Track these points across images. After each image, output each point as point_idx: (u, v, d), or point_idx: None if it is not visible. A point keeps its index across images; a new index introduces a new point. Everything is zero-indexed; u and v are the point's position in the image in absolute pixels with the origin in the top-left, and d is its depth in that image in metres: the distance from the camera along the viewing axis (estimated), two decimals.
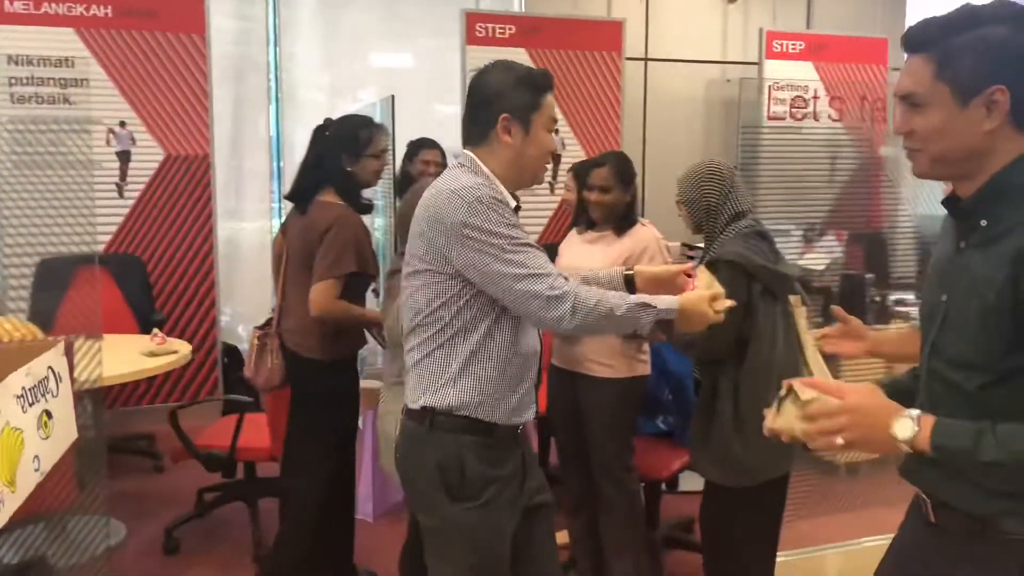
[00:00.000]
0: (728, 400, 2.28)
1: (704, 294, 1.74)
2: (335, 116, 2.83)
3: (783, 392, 1.36)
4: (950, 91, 1.25)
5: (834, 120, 3.34)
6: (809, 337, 2.38)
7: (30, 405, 1.58)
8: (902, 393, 1.40)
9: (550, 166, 3.83)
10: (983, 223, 1.28)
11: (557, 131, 1.75)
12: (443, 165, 4.05)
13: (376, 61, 5.31)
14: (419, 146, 4.05)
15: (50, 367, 1.65)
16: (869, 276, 3.51)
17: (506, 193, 1.77)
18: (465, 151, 1.79)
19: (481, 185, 1.73)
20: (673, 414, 3.12)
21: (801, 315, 2.39)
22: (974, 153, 1.27)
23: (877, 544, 3.18)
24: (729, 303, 1.76)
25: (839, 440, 1.27)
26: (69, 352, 1.81)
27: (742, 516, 2.36)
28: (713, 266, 2.19)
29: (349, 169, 2.65)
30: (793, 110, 3.33)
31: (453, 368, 1.75)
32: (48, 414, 1.63)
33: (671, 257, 2.85)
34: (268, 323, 2.78)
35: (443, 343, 1.76)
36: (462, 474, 1.75)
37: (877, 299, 3.67)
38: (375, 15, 5.12)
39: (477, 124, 1.78)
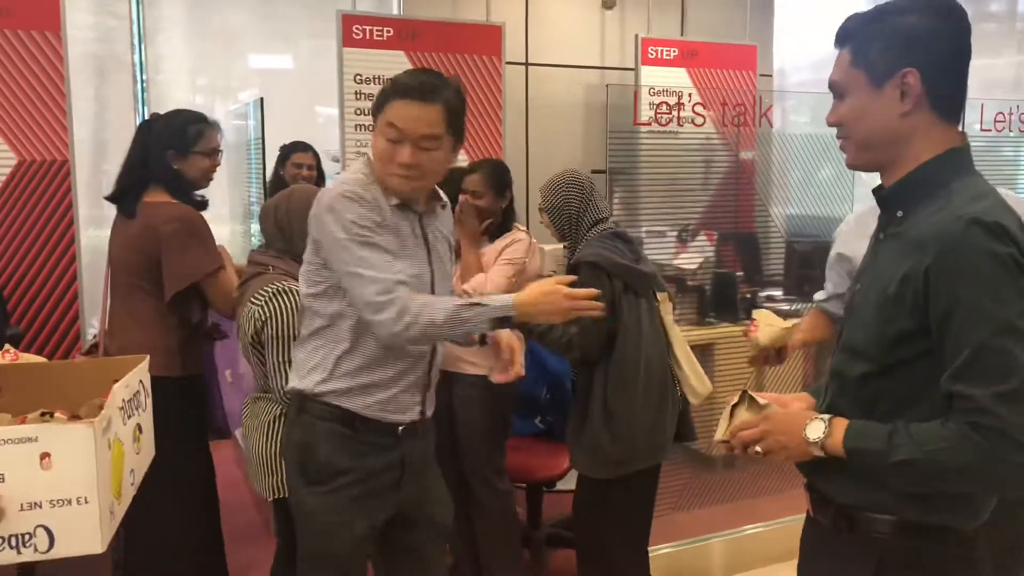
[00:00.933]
0: (599, 394, 2.33)
1: (549, 282, 1.75)
2: (213, 118, 2.70)
3: (735, 400, 1.40)
4: (865, 76, 1.31)
5: (697, 125, 3.47)
6: (677, 330, 2.47)
7: (128, 418, 1.59)
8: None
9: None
10: (899, 213, 1.32)
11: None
12: (316, 168, 3.96)
13: (254, 62, 5.16)
14: (291, 149, 3.97)
15: (140, 380, 1.65)
16: (739, 274, 3.67)
17: (379, 193, 1.75)
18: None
19: (355, 180, 1.75)
20: (551, 413, 3.16)
21: (668, 311, 2.48)
22: (895, 138, 1.31)
23: (757, 531, 3.33)
24: (598, 305, 1.79)
25: (757, 449, 1.33)
26: None
27: (613, 507, 2.41)
28: (575, 269, 2.24)
29: (176, 167, 2.52)
30: (658, 115, 3.45)
31: (321, 355, 1.78)
32: (140, 428, 1.64)
33: (539, 260, 2.89)
34: (93, 349, 2.60)
35: (316, 330, 1.80)
36: (315, 458, 1.79)
37: (748, 295, 3.84)
38: (252, 15, 4.98)
39: None
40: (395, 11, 4.94)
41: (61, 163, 3.89)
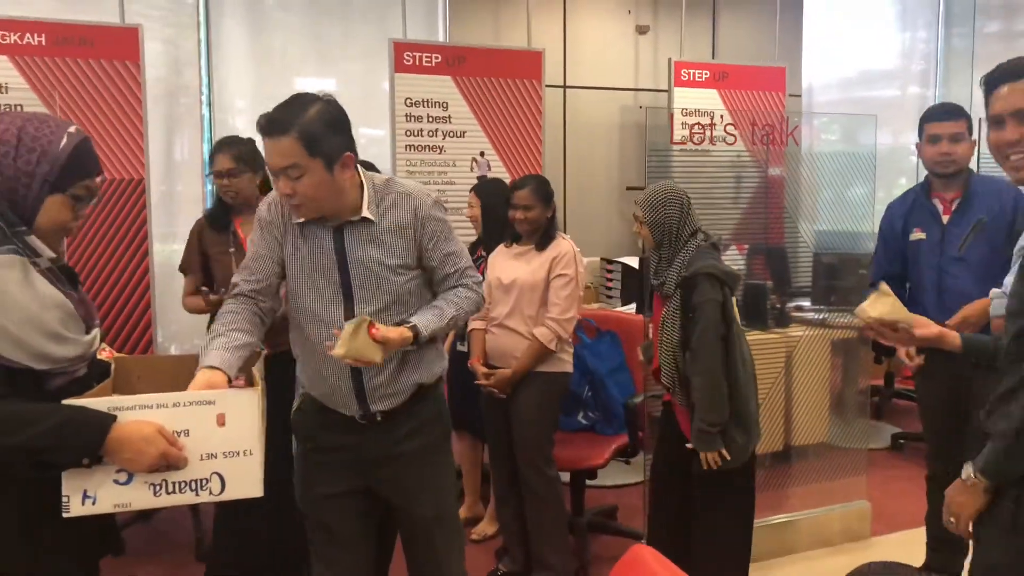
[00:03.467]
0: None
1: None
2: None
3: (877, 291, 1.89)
4: None
5: (729, 144, 3.71)
6: None
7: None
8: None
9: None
10: None
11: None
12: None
13: (303, 85, 5.47)
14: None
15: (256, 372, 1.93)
16: (769, 284, 3.88)
17: (283, 212, 2.05)
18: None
19: (270, 198, 2.08)
20: (593, 410, 3.39)
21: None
22: None
23: (800, 519, 3.51)
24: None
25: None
26: None
27: (741, 495, 2.70)
28: (692, 280, 2.49)
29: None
30: (692, 134, 3.70)
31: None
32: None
33: (579, 268, 3.12)
34: None
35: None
36: (299, 423, 2.18)
37: (777, 305, 4.04)
38: (302, 40, 5.28)
39: None
40: (441, 38, 5.24)
41: (138, 181, 4.22)
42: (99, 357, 2.19)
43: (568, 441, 3.29)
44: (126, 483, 1.55)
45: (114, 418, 1.52)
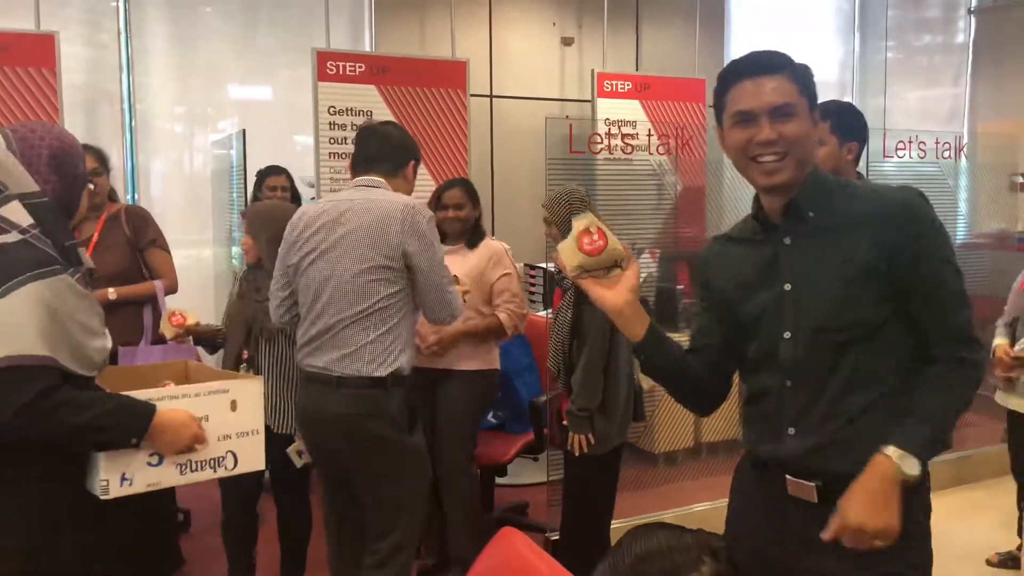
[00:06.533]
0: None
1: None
2: (193, 147, 3.06)
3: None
4: None
5: (626, 154, 3.86)
6: None
7: None
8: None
9: None
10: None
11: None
12: (290, 190, 4.26)
13: (234, 93, 5.46)
14: (265, 173, 4.24)
15: None
16: (680, 287, 4.04)
17: None
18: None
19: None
20: (503, 408, 3.48)
21: None
22: None
23: (706, 509, 3.66)
24: None
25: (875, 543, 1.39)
26: None
27: (601, 477, 2.87)
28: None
29: None
30: (612, 146, 3.85)
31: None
32: None
33: (513, 265, 3.23)
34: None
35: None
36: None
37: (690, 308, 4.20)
38: (230, 48, 5.28)
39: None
40: (367, 47, 5.29)
41: None
42: (172, 324, 2.92)
43: (481, 439, 3.37)
44: (157, 464, 1.76)
45: (155, 406, 1.74)
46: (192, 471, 1.81)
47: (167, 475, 1.78)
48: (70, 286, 1.60)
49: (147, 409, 1.73)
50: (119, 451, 1.70)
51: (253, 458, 1.91)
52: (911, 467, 1.39)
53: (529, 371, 3.48)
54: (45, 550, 1.59)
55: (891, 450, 1.39)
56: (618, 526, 2.99)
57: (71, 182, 1.72)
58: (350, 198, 2.45)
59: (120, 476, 1.70)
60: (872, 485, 1.38)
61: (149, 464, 1.74)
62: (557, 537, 3.12)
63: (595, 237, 1.47)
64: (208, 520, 3.91)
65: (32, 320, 1.52)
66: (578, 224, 1.49)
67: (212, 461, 1.84)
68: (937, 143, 4.61)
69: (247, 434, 1.89)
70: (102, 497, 1.68)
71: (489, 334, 3.13)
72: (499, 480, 3.54)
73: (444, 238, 3.19)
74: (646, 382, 2.95)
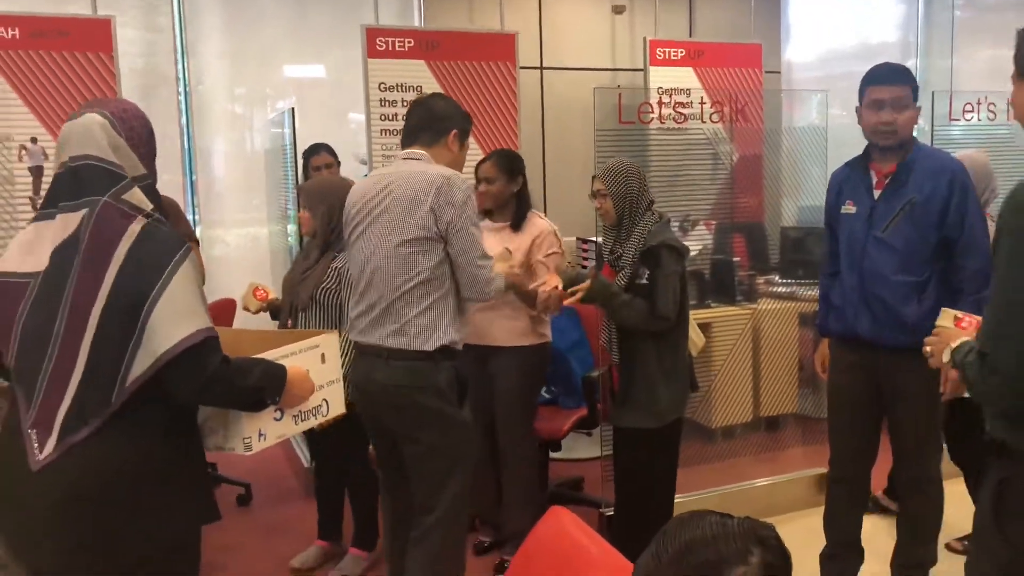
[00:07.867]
0: (653, 356, 2.70)
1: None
2: (251, 127, 3.08)
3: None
4: None
5: (678, 123, 3.76)
6: None
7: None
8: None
9: None
10: None
11: None
12: (334, 165, 4.28)
13: (288, 73, 5.51)
14: (310, 153, 4.27)
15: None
16: (736, 259, 3.95)
17: None
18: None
19: None
20: (555, 383, 3.46)
21: None
22: None
23: (764, 485, 3.61)
24: None
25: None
26: None
27: (667, 449, 2.80)
28: (655, 251, 2.58)
29: None
30: (641, 115, 3.78)
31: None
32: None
33: (561, 246, 3.18)
34: None
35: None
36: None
37: (746, 280, 4.11)
38: (283, 29, 5.32)
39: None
40: (416, 23, 5.27)
41: None
42: (257, 298, 3.11)
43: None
44: (279, 419, 1.88)
45: (284, 366, 1.85)
46: (303, 420, 1.95)
47: (288, 427, 1.91)
48: (194, 261, 1.70)
49: (281, 369, 1.84)
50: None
51: (337, 403, 2.05)
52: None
53: (580, 346, 3.46)
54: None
55: None
56: (677, 501, 2.96)
57: (154, 159, 1.81)
58: (392, 172, 2.45)
59: (258, 432, 1.82)
60: None
61: (275, 419, 1.87)
62: (611, 513, 3.09)
63: None
64: (268, 494, 4.01)
65: (197, 297, 1.66)
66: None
67: (314, 410, 1.97)
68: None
69: (334, 382, 2.04)
70: (246, 453, 1.80)
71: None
72: (553, 455, 3.53)
73: (486, 215, 3.15)
74: (693, 349, 2.93)
